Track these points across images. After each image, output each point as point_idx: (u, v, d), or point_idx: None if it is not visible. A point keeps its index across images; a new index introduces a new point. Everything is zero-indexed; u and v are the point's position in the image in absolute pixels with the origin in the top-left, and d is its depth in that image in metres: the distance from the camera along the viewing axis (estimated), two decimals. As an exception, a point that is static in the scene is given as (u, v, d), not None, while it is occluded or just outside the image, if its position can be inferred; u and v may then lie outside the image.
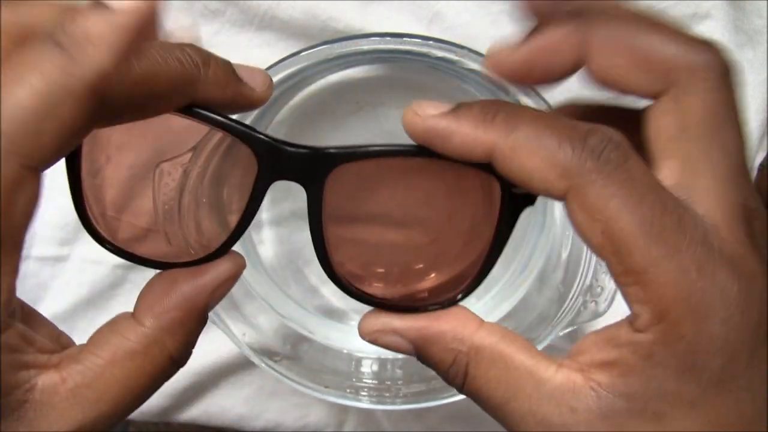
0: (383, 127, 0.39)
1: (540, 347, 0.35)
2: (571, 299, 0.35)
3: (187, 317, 0.23)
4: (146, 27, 0.19)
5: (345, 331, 0.42)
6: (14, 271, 0.19)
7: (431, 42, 0.33)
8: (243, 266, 0.24)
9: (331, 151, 0.22)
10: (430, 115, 0.21)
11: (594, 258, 0.34)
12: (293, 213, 0.42)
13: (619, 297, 0.34)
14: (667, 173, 0.21)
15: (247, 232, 0.26)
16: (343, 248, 0.24)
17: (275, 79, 0.33)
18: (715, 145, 0.21)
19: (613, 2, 0.22)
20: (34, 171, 0.18)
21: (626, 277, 0.20)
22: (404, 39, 0.33)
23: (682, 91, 0.21)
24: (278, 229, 0.42)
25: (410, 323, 0.24)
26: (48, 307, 0.41)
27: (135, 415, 0.42)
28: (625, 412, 0.20)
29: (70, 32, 0.18)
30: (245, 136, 0.22)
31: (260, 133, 0.22)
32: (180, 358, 0.23)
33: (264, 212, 0.42)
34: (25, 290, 0.41)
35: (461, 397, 0.36)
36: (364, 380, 0.38)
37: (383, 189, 0.25)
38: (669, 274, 0.19)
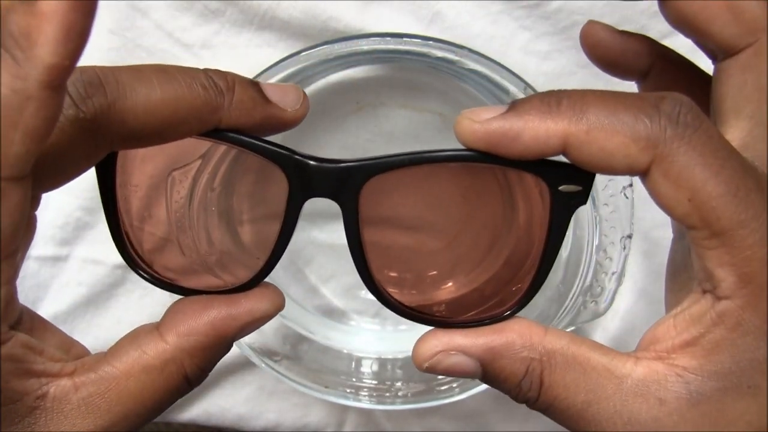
0: (383, 127, 0.39)
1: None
2: (571, 299, 0.35)
3: (211, 344, 0.22)
4: (83, 7, 0.17)
5: (345, 331, 0.42)
6: (9, 280, 0.19)
7: (431, 42, 0.33)
8: (280, 307, 0.24)
9: (367, 162, 0.22)
10: (490, 118, 0.20)
11: (594, 258, 0.34)
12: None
13: (619, 297, 0.34)
14: (736, 134, 0.21)
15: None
16: (380, 258, 0.24)
17: (275, 79, 0.33)
18: None
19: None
20: (13, 180, 0.17)
21: (711, 240, 0.19)
22: (404, 39, 0.33)
23: (763, 49, 0.20)
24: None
25: (474, 339, 0.22)
26: (48, 307, 0.41)
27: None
28: (718, 393, 0.19)
29: (8, 34, 0.17)
30: (272, 155, 0.22)
31: (289, 150, 0.22)
32: (195, 381, 0.23)
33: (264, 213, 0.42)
34: (24, 290, 0.41)
35: (461, 396, 0.36)
36: (364, 380, 0.38)
37: (411, 195, 0.24)
38: (756, 234, 0.19)
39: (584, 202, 0.22)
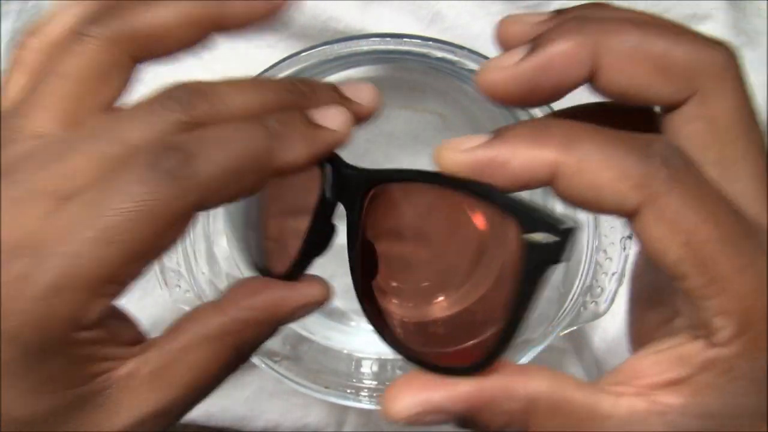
0: (383, 128, 0.39)
1: (540, 348, 0.35)
2: (571, 299, 0.35)
3: (265, 321, 0.23)
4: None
5: (345, 331, 0.42)
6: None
7: (431, 42, 0.33)
8: (329, 297, 0.25)
9: (373, 172, 0.23)
10: (475, 147, 0.20)
11: (594, 258, 0.34)
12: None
13: (619, 297, 0.34)
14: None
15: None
16: (383, 266, 0.24)
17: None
18: (750, 146, 0.20)
19: (615, 8, 0.21)
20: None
21: (709, 288, 0.18)
22: (404, 39, 0.33)
23: (707, 96, 0.20)
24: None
25: (453, 393, 0.20)
26: (48, 308, 0.41)
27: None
28: None
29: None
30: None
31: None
32: (244, 356, 0.23)
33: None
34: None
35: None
36: (364, 381, 0.38)
37: (411, 206, 0.24)
38: (753, 282, 0.18)
39: (557, 262, 0.19)
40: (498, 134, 0.20)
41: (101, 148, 0.20)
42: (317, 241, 0.25)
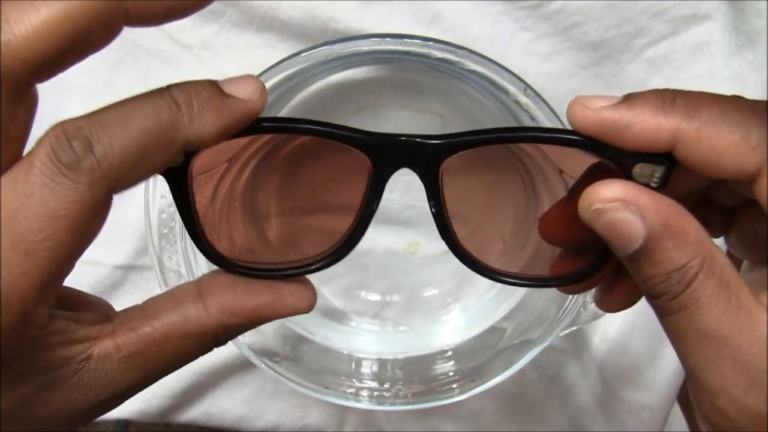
0: (383, 128, 0.39)
1: (540, 348, 0.35)
2: (571, 300, 0.35)
3: (247, 325, 0.24)
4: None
5: (345, 332, 0.42)
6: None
7: (431, 43, 0.33)
8: (313, 306, 0.25)
9: (460, 138, 0.23)
10: (603, 107, 0.21)
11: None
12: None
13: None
14: None
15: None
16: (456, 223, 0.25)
17: (276, 80, 0.33)
18: None
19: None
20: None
21: None
22: (404, 40, 0.33)
23: None
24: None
25: (658, 206, 0.20)
26: (48, 308, 0.41)
27: (135, 415, 0.42)
28: None
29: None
30: (351, 137, 0.23)
31: (367, 132, 0.23)
32: (219, 345, 0.24)
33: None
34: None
35: (461, 397, 0.36)
36: (364, 381, 0.38)
37: (473, 174, 0.25)
38: None
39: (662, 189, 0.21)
40: (626, 98, 0.21)
41: None
42: (370, 213, 0.24)
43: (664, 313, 0.21)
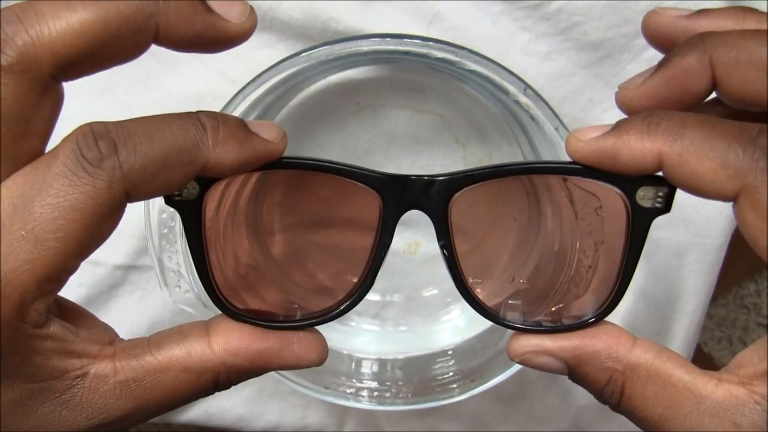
0: (383, 128, 0.39)
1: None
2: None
3: (252, 370, 0.23)
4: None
5: (345, 332, 0.42)
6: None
7: (431, 43, 0.33)
8: (324, 360, 0.25)
9: (462, 174, 0.23)
10: (593, 138, 0.22)
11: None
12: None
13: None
14: None
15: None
16: (469, 263, 0.25)
17: (276, 80, 0.33)
18: None
19: (729, 25, 0.22)
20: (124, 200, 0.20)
21: None
22: (404, 40, 0.33)
23: None
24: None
25: (563, 343, 0.23)
26: (48, 308, 0.41)
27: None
28: None
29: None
30: (363, 177, 0.23)
31: (377, 172, 0.23)
32: (221, 390, 0.24)
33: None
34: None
35: (461, 397, 0.36)
36: (364, 381, 0.38)
37: (477, 203, 0.25)
38: None
39: (667, 210, 0.22)
40: (616, 125, 0.22)
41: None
42: (382, 254, 0.24)
43: (622, 414, 0.23)
